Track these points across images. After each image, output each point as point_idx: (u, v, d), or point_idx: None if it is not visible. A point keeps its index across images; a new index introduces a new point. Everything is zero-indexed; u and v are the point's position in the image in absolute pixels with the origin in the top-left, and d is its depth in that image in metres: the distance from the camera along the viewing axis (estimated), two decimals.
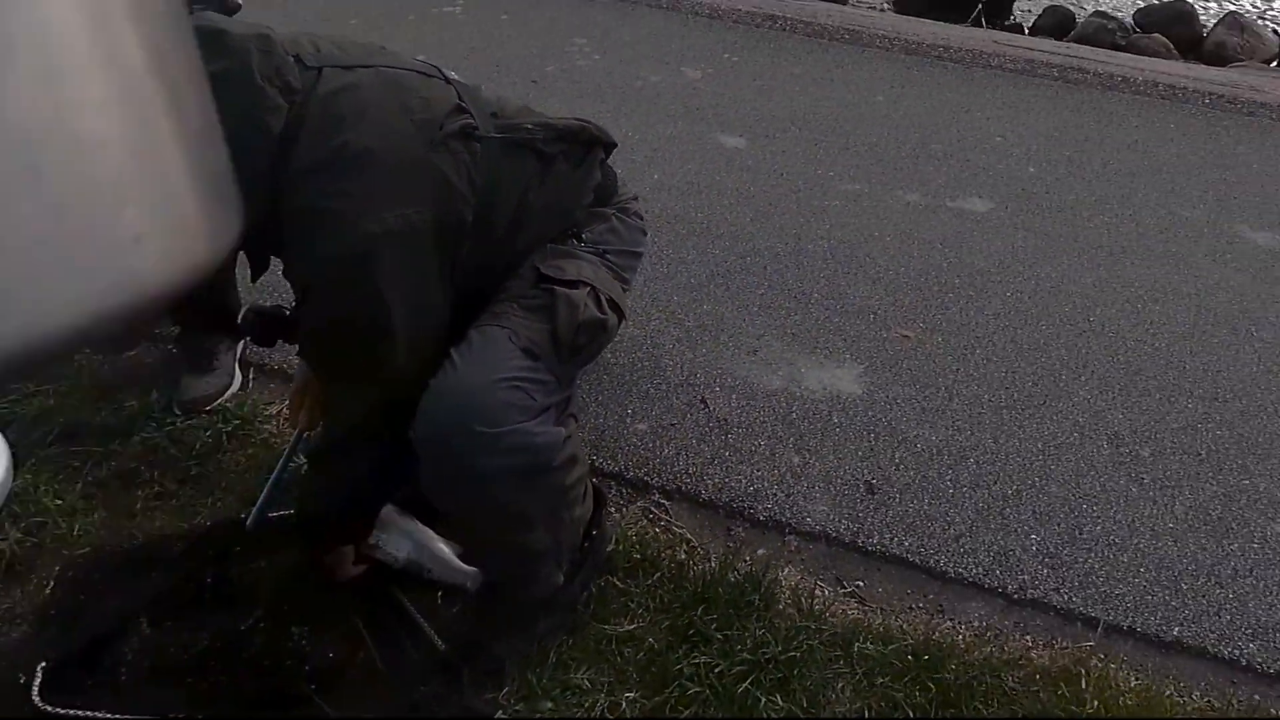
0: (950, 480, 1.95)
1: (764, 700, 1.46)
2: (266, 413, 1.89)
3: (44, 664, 1.34)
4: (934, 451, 2.01)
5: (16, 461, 1.65)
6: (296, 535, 1.57)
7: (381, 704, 1.39)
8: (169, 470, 1.71)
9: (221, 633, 1.43)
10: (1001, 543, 1.82)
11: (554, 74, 3.62)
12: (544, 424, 1.32)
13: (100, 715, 1.31)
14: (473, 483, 1.28)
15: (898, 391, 2.17)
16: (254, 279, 1.44)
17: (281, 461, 1.59)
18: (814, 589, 1.69)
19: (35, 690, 1.31)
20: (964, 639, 1.64)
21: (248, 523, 1.56)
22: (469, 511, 1.38)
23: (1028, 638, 1.67)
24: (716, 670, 1.48)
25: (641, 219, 1.66)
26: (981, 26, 6.13)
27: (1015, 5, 6.87)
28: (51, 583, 1.50)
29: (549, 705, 1.42)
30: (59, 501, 1.62)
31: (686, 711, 1.44)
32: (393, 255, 1.24)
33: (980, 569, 1.77)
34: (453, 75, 1.42)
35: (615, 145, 1.59)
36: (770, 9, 4.72)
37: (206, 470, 1.72)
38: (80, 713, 1.31)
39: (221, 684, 1.37)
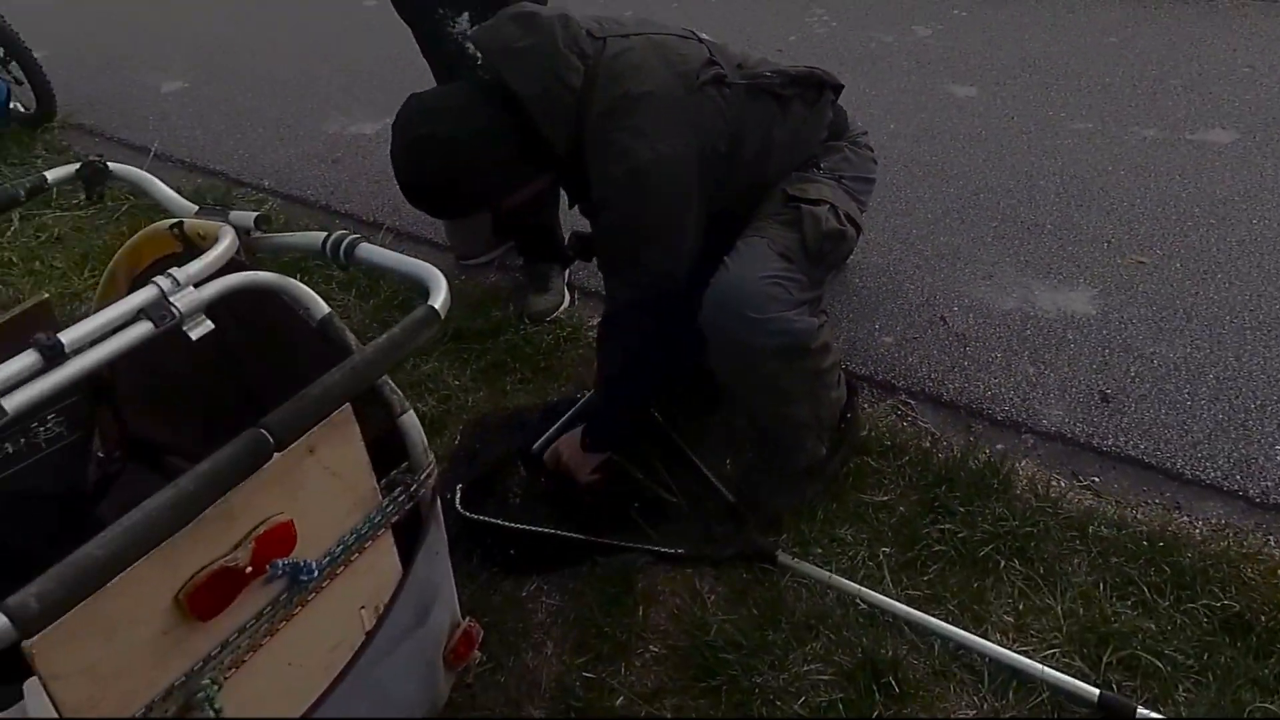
0: (1188, 393, 1.84)
1: (1003, 563, 1.50)
2: (590, 323, 2.13)
3: (460, 485, 1.65)
4: (1171, 366, 1.90)
5: (427, 350, 2.02)
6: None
7: (688, 536, 1.58)
8: (526, 363, 2.00)
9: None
10: (1243, 450, 1.71)
11: (796, 42, 3.62)
12: (800, 314, 1.46)
13: (501, 521, 1.61)
14: (746, 357, 1.45)
15: (1133, 312, 2.06)
16: (570, 206, 1.68)
17: (586, 397, 1.82)
18: (1050, 479, 1.68)
19: (457, 503, 1.62)
20: (1201, 532, 1.57)
21: (535, 446, 1.74)
22: (745, 383, 1.53)
23: (1270, 537, 1.56)
24: (960, 536, 1.54)
25: (871, 150, 1.72)
26: None
27: None
28: (458, 436, 1.82)
29: (819, 551, 1.54)
30: (456, 382, 1.96)
31: (934, 566, 1.51)
32: (665, 173, 1.41)
33: (1219, 473, 1.67)
34: (704, 36, 1.57)
35: (842, 87, 1.67)
36: None
37: (551, 364, 1.99)
38: (489, 519, 1.62)
39: (572, 509, 1.63)
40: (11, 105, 3.51)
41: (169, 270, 0.94)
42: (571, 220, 1.94)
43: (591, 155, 1.43)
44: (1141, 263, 2.21)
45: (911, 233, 2.40)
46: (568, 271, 2.27)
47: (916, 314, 2.12)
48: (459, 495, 1.63)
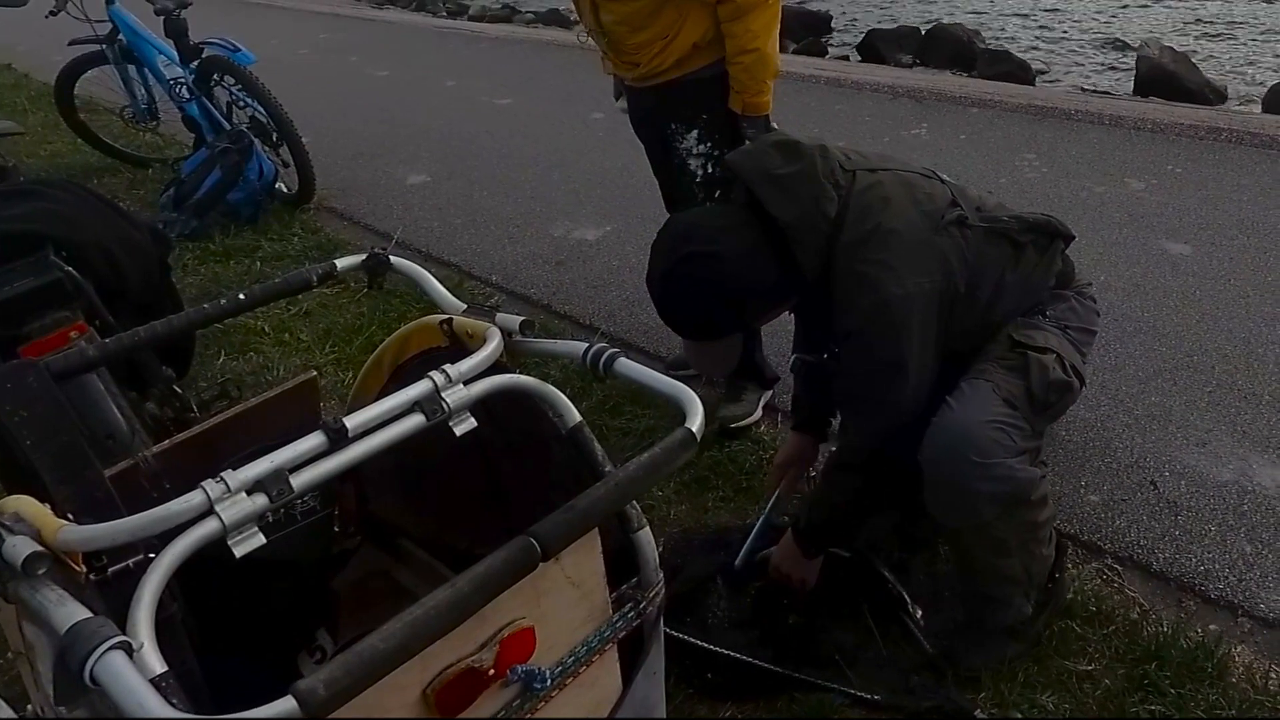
0: None
1: None
2: None
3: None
4: None
5: (630, 459, 2.24)
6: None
7: (885, 683, 1.63)
8: (728, 480, 2.19)
9: (770, 603, 1.79)
10: None
11: (1006, 185, 3.77)
12: (1022, 462, 1.52)
13: (702, 642, 1.66)
14: (965, 501, 1.51)
15: None
16: (798, 336, 1.81)
17: (764, 516, 1.88)
18: (1269, 670, 1.67)
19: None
20: None
21: (736, 563, 1.83)
22: (959, 526, 1.59)
23: None
24: None
25: (1095, 302, 1.79)
26: None
27: None
28: (660, 548, 2.00)
29: (1018, 716, 1.57)
30: (659, 493, 2.16)
31: None
32: (912, 309, 1.48)
33: None
34: (945, 177, 1.69)
35: (1074, 238, 1.75)
36: (1215, 121, 4.40)
37: (753, 484, 2.16)
38: (690, 638, 1.67)
39: (772, 639, 1.71)
40: (277, 185, 4.12)
41: (443, 366, 1.01)
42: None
43: (840, 284, 1.51)
44: None
45: (1121, 390, 2.45)
46: (769, 393, 2.47)
47: (1125, 475, 2.16)
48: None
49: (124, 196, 4.47)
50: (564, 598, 0.99)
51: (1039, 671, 1.65)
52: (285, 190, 4.20)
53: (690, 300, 1.52)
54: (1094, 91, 6.15)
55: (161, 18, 4.05)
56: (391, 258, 1.42)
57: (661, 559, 1.90)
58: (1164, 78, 6.23)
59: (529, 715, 0.98)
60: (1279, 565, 1.89)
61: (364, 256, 1.40)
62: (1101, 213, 3.47)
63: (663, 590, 1.10)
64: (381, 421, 0.98)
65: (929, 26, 8.16)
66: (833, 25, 9.52)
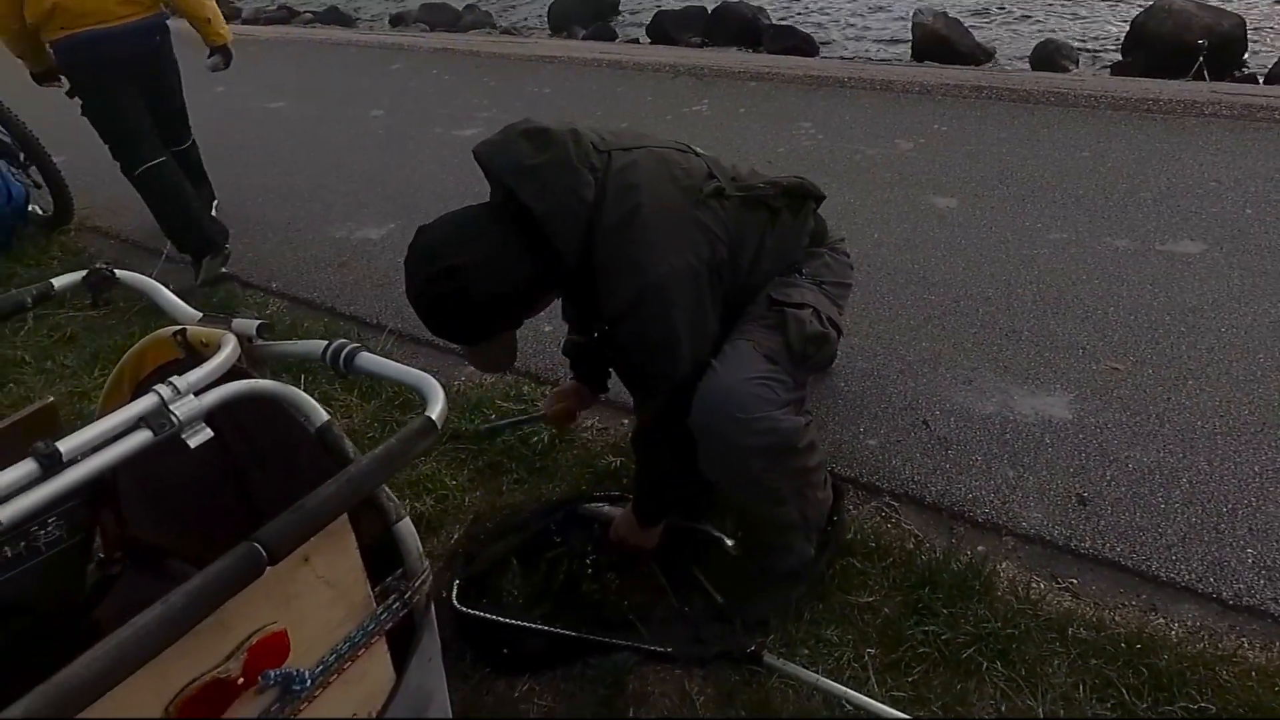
0: (1162, 497, 1.96)
1: (986, 665, 1.58)
2: (585, 424, 2.26)
3: (457, 581, 1.74)
4: (1146, 471, 2.03)
5: (426, 454, 2.13)
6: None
7: (678, 635, 1.66)
8: (522, 463, 2.13)
9: (565, 574, 1.78)
10: (1216, 554, 1.82)
11: (785, 154, 3.90)
12: (786, 413, 1.56)
13: (495, 617, 1.68)
14: (735, 457, 1.55)
15: (1108, 417, 2.20)
16: (566, 317, 1.80)
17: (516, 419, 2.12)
18: (1030, 581, 1.78)
19: (454, 599, 1.71)
20: (1177, 634, 1.65)
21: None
22: (734, 483, 1.63)
23: (1243, 640, 1.65)
24: (944, 638, 1.62)
25: (848, 256, 1.88)
26: (1205, 80, 5.73)
27: (1245, 56, 6.30)
28: (455, 535, 1.93)
29: (805, 652, 1.63)
30: (453, 482, 2.08)
31: (918, 668, 1.59)
32: (678, 287, 1.49)
33: (1193, 575, 1.78)
34: (699, 150, 1.70)
35: (824, 197, 1.82)
36: (979, 80, 4.75)
37: (546, 464, 2.11)
38: (483, 614, 1.70)
39: (567, 608, 1.71)
40: (30, 208, 3.72)
41: (170, 379, 0.98)
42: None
43: (604, 269, 1.49)
44: (1116, 369, 2.37)
45: (895, 339, 2.57)
46: None
47: (900, 418, 2.26)
48: (455, 591, 1.72)
49: None
50: (318, 598, 0.97)
51: (823, 609, 1.71)
52: (40, 213, 3.81)
53: (451, 313, 1.47)
54: (872, 60, 6.52)
55: None
56: (117, 272, 1.32)
57: (458, 545, 1.87)
58: (938, 42, 6.74)
59: (292, 716, 0.97)
60: (1038, 485, 2.02)
61: (85, 273, 1.30)
62: (873, 174, 3.65)
63: (429, 578, 1.09)
64: (103, 441, 0.92)
65: (715, 5, 8.42)
66: (620, 8, 9.63)
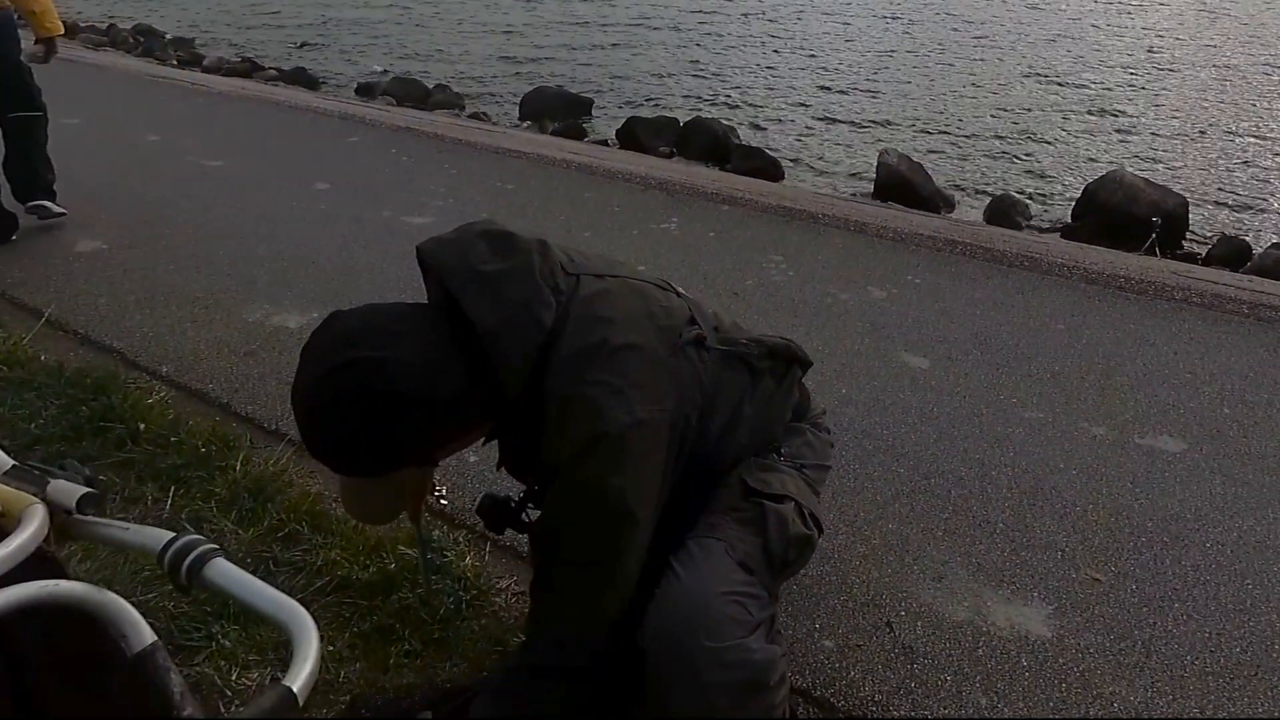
0: None
1: None
2: (498, 586, 2.00)
3: None
4: (1133, 713, 1.85)
5: (305, 602, 1.82)
6: None
7: None
8: (418, 630, 1.83)
9: None
10: None
11: (752, 287, 3.82)
12: (759, 640, 1.33)
13: None
14: (694, 692, 1.30)
15: (1090, 639, 2.03)
16: (498, 466, 1.54)
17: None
18: None
19: None
20: None
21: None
22: (683, 714, 1.36)
23: None
24: None
25: (829, 433, 1.71)
26: (1156, 255, 5.98)
27: (1185, 236, 6.65)
28: None
29: None
30: (330, 648, 1.78)
31: None
32: (638, 442, 1.28)
33: None
34: (681, 290, 1.53)
35: (811, 365, 1.67)
36: (950, 234, 4.81)
37: (447, 635, 1.83)
38: None
39: None
40: None
41: None
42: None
43: (553, 409, 1.28)
44: (1097, 580, 2.22)
45: (859, 516, 2.39)
46: None
47: (861, 615, 2.05)
48: None
49: None
50: None
51: None
52: None
53: (348, 421, 1.19)
54: (841, 198, 6.67)
55: None
56: None
57: None
58: (901, 184, 6.97)
59: None
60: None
61: None
62: (845, 320, 3.57)
63: None
64: None
65: (688, 118, 8.67)
66: (593, 108, 9.85)
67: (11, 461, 0.99)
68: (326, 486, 2.33)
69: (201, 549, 0.88)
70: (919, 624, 2.04)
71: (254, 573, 1.88)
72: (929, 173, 7.42)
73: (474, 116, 9.36)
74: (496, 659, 1.78)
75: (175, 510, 2.15)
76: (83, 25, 13.46)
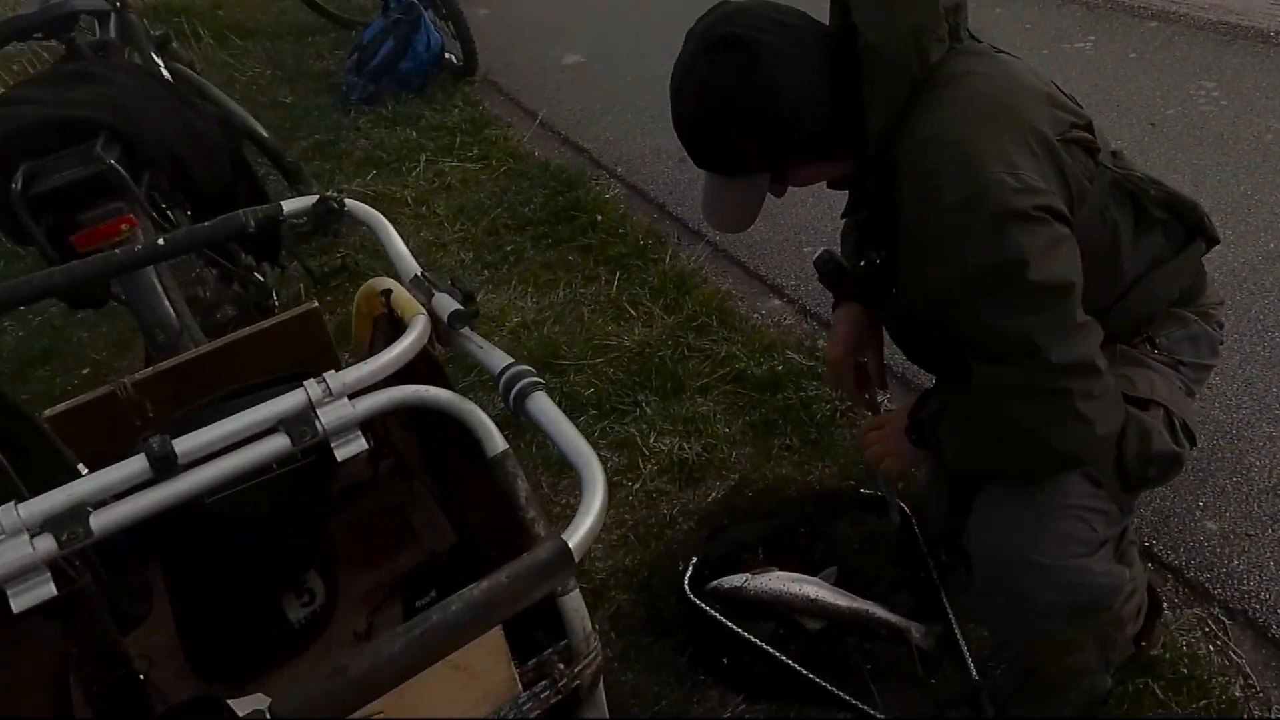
0: None
1: None
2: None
3: (695, 560, 1.42)
4: None
5: (707, 389, 1.79)
6: None
7: (913, 711, 1.22)
8: (797, 430, 1.72)
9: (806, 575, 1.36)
10: None
11: (1174, 117, 2.74)
12: (1104, 561, 0.98)
13: (723, 620, 1.30)
14: (1026, 613, 1.00)
15: None
16: (843, 214, 1.17)
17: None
18: None
19: (686, 581, 1.38)
20: None
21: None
22: (1017, 634, 1.09)
23: None
24: None
25: (1222, 327, 1.12)
26: None
27: None
28: (713, 494, 1.60)
29: None
30: (726, 429, 1.73)
31: None
32: (1034, 216, 0.87)
33: None
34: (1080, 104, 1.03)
35: (1218, 241, 1.08)
36: None
37: (822, 438, 1.69)
38: (713, 612, 1.32)
39: (802, 632, 1.31)
40: (446, 56, 3.66)
41: (324, 375, 0.72)
42: None
43: (912, 163, 0.92)
44: None
45: (1271, 391, 1.71)
46: None
47: (1257, 501, 1.51)
48: (690, 571, 1.40)
49: (327, 55, 4.17)
50: (442, 683, 0.68)
51: None
52: (455, 62, 3.72)
53: (713, 99, 0.95)
54: None
55: None
56: (347, 202, 1.04)
57: (707, 513, 1.52)
58: None
59: None
60: None
61: (314, 200, 1.03)
62: None
63: (597, 659, 0.73)
64: (229, 445, 0.69)
65: None
66: None
67: (416, 270, 0.94)
68: (735, 285, 2.22)
69: (525, 382, 0.77)
70: None
71: (673, 354, 1.89)
72: None
73: None
74: (863, 468, 1.60)
75: (619, 291, 2.19)
76: None
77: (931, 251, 0.92)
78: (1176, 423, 1.01)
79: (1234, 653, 1.29)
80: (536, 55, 4.00)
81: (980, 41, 1.02)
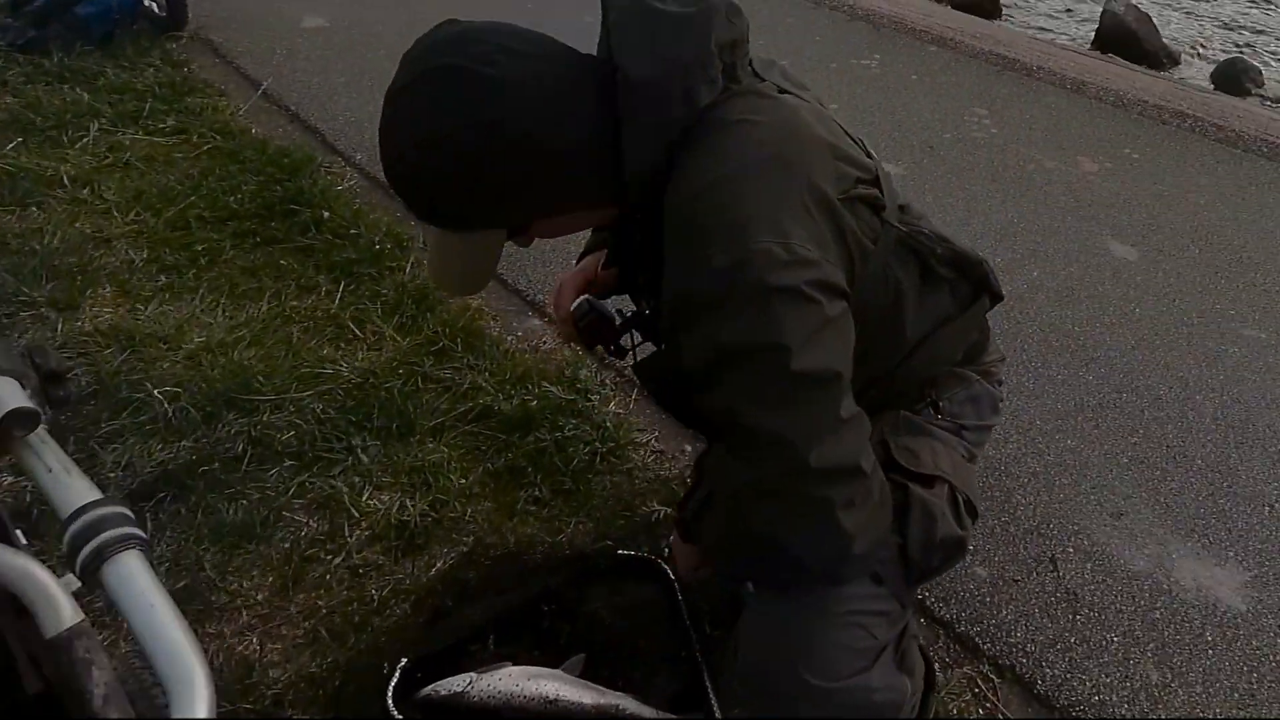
0: None
1: None
2: (637, 441, 1.62)
3: (403, 662, 1.16)
4: None
5: (442, 429, 1.53)
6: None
7: None
8: (549, 476, 1.50)
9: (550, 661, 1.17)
10: None
11: (950, 141, 2.99)
12: (885, 672, 0.89)
13: None
14: None
15: None
16: (605, 265, 1.09)
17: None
18: None
19: (390, 690, 1.12)
20: None
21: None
22: None
23: None
24: None
25: (1002, 385, 1.13)
26: None
27: None
28: (437, 565, 1.33)
29: None
30: (461, 481, 1.47)
31: None
32: (804, 285, 0.79)
33: None
34: (873, 152, 0.97)
35: (1001, 298, 1.07)
36: (1178, 103, 3.63)
37: (578, 487, 1.49)
38: None
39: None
40: (147, 4, 3.09)
41: None
42: None
43: (678, 218, 0.82)
44: None
45: (1035, 425, 1.82)
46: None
47: (1022, 543, 1.55)
48: (396, 676, 1.13)
49: None
50: None
51: None
52: (156, 10, 3.13)
53: (430, 143, 0.80)
54: (1056, 44, 5.24)
55: None
56: None
57: (427, 591, 1.18)
58: (1125, 36, 5.44)
59: None
60: (1188, 702, 1.32)
61: None
62: (1047, 193, 2.73)
63: None
64: None
65: None
66: None
67: None
68: (488, 302, 1.98)
69: (110, 535, 0.53)
70: (1088, 566, 1.52)
71: (403, 386, 1.62)
72: (1155, 25, 5.75)
73: None
74: (624, 522, 1.43)
75: (343, 305, 1.86)
76: None
77: (683, 319, 0.81)
78: (960, 499, 0.96)
79: (1002, 714, 1.28)
80: (268, 13, 3.51)
81: (763, 77, 0.91)
